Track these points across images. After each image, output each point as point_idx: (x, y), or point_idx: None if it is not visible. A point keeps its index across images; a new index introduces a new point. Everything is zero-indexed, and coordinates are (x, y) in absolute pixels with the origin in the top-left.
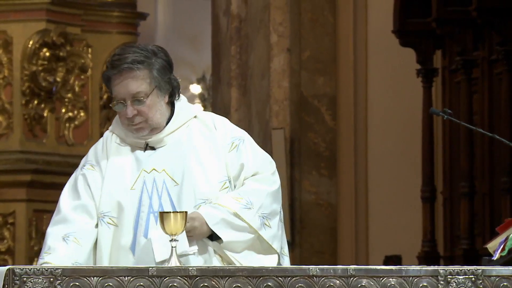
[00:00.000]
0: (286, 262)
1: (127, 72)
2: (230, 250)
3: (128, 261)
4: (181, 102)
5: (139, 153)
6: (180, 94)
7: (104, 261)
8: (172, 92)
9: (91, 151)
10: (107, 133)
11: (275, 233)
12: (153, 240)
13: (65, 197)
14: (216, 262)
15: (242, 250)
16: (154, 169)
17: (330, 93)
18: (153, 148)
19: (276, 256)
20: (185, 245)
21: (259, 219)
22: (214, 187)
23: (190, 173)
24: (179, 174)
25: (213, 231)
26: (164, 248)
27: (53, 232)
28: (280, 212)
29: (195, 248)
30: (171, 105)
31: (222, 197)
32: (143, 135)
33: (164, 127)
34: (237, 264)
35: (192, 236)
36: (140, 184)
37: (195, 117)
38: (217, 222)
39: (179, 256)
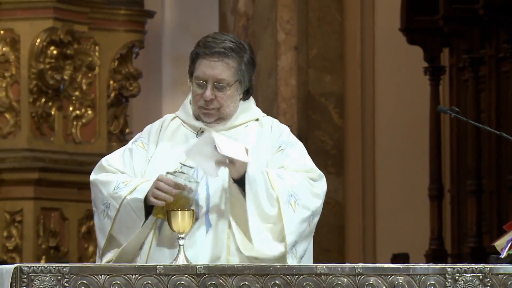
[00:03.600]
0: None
1: (219, 55)
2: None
3: (161, 246)
4: (248, 103)
5: (191, 138)
6: (251, 96)
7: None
8: (247, 91)
9: (146, 129)
10: (166, 116)
11: (296, 221)
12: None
13: (111, 159)
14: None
15: (256, 216)
16: None
17: (338, 91)
18: None
19: (281, 248)
20: (235, 154)
21: (287, 195)
22: None
23: None
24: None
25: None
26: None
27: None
28: (313, 215)
29: (216, 171)
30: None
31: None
32: (208, 121)
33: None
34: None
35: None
36: None
37: (257, 119)
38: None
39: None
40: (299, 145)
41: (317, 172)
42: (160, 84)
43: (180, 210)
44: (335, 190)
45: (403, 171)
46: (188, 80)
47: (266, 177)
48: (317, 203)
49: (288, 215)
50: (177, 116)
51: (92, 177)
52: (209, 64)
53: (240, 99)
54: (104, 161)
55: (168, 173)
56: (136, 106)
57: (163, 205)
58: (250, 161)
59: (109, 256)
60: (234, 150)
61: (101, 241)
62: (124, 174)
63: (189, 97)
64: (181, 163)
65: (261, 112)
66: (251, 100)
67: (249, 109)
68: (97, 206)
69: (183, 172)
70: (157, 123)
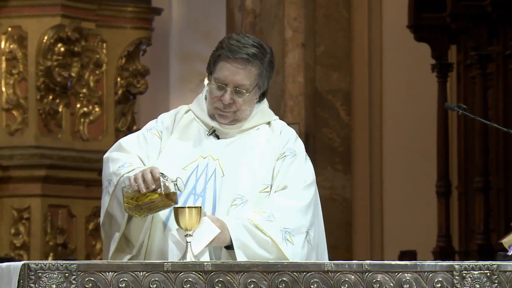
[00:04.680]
0: None
1: (242, 61)
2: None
3: (155, 230)
4: (262, 105)
5: (204, 136)
6: (265, 98)
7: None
8: (263, 93)
9: (160, 119)
10: (181, 107)
11: (298, 251)
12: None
13: (129, 140)
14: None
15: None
16: (210, 155)
17: (345, 88)
18: (217, 137)
19: None
20: (204, 252)
21: (281, 233)
22: (255, 187)
23: (238, 168)
24: (229, 167)
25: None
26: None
27: (116, 154)
28: (308, 232)
29: (206, 257)
30: None
31: (244, 211)
32: (223, 123)
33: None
34: None
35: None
36: (193, 167)
37: (268, 123)
38: (238, 237)
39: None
40: (301, 154)
41: (304, 184)
42: (167, 81)
43: (187, 207)
44: (342, 187)
45: (411, 168)
46: (205, 78)
47: (252, 228)
48: (307, 218)
49: (289, 251)
50: (190, 110)
51: (107, 154)
52: (232, 69)
53: (256, 102)
54: (122, 141)
55: (162, 174)
56: (144, 103)
57: (133, 190)
58: (218, 228)
59: (114, 242)
60: (204, 232)
61: (101, 218)
62: (136, 156)
63: (204, 92)
64: (178, 177)
65: (273, 114)
66: (265, 102)
67: (263, 112)
68: (103, 183)
69: (175, 185)
70: (171, 113)
